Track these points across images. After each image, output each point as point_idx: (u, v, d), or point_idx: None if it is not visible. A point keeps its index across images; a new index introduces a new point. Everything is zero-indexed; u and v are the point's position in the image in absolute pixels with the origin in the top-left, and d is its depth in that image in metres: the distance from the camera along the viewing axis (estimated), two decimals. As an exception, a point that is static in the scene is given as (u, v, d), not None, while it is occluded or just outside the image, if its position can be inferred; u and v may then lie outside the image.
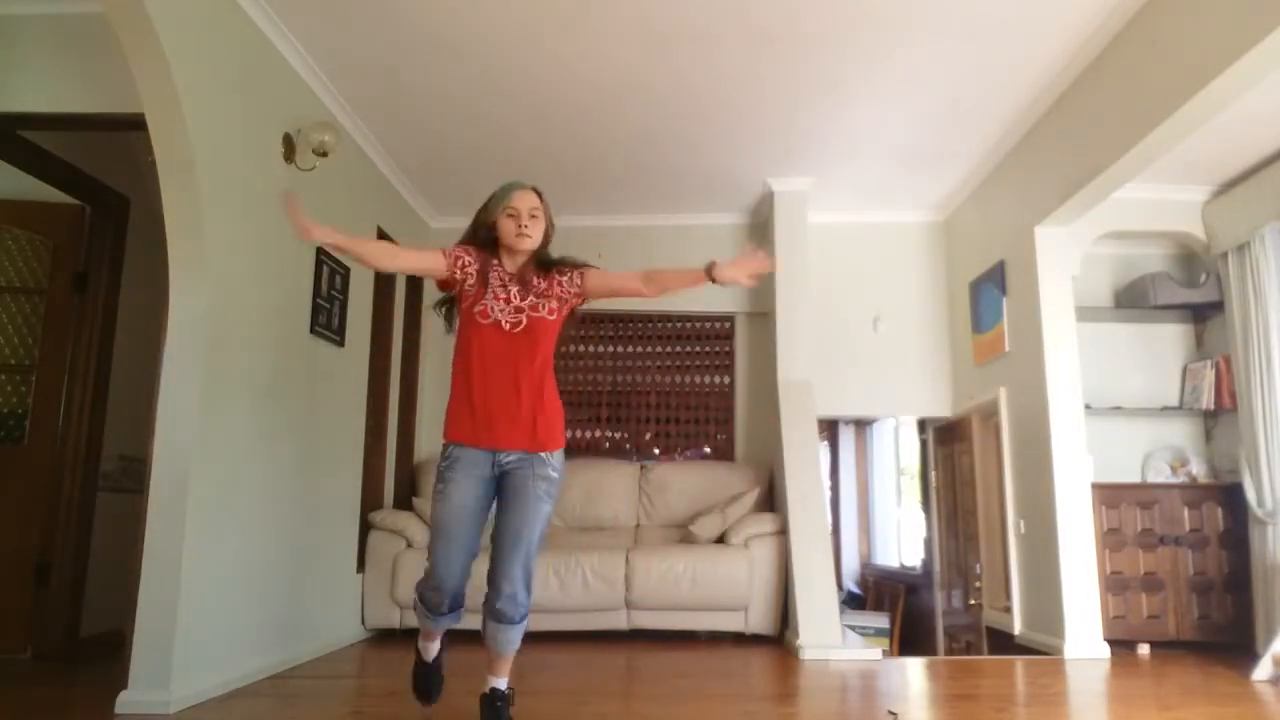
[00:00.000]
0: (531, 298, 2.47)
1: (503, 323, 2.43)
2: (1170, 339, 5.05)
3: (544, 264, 2.53)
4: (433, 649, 2.75)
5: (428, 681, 2.77)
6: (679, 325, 5.74)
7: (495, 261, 2.51)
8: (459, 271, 2.46)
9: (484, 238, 2.52)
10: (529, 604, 2.50)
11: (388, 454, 4.96)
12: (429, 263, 2.48)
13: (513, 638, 2.52)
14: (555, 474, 2.49)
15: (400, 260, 2.74)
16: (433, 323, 5.67)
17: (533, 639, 4.47)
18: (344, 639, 4.34)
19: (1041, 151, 4.31)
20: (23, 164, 3.80)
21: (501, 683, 2.55)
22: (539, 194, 2.54)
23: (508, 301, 2.45)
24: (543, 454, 2.46)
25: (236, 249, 3.24)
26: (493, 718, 2.51)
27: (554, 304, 2.50)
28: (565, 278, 2.52)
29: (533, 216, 2.48)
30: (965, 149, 4.69)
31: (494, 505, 2.52)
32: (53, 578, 3.86)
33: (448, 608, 2.57)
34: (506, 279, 2.49)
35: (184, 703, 2.85)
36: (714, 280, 2.41)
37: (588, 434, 5.79)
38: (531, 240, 2.48)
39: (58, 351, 4.01)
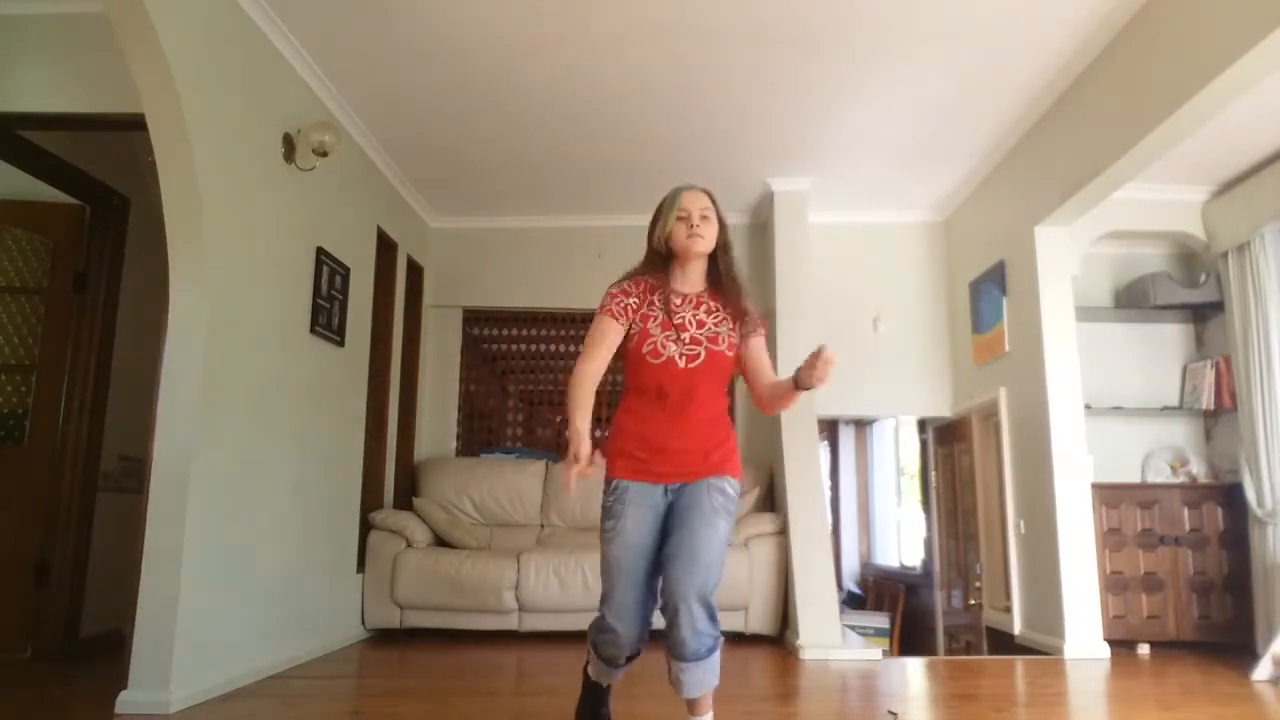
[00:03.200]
0: (710, 325, 2.28)
1: (676, 359, 2.23)
2: (1170, 339, 5.05)
3: (728, 280, 2.33)
4: (611, 675, 2.41)
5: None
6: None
7: (664, 288, 2.30)
8: (626, 320, 2.27)
9: (662, 254, 2.31)
10: (717, 633, 2.15)
11: (388, 454, 4.96)
12: (612, 341, 2.27)
13: (699, 678, 2.14)
14: (732, 491, 2.25)
15: (590, 370, 2.26)
16: (433, 323, 5.68)
17: (533, 639, 4.50)
18: (344, 639, 4.33)
19: (1041, 151, 4.31)
20: (22, 164, 3.80)
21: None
22: (710, 195, 2.33)
23: (683, 329, 2.26)
24: (718, 477, 2.24)
25: (236, 249, 3.24)
26: None
27: (730, 337, 2.29)
28: (749, 321, 2.32)
29: (704, 217, 2.27)
30: (965, 149, 4.69)
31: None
32: (53, 578, 3.86)
33: (623, 659, 2.32)
34: (678, 304, 2.29)
35: (184, 703, 2.85)
36: (800, 387, 2.16)
37: (588, 434, 5.78)
38: (705, 242, 2.27)
39: (58, 351, 4.01)
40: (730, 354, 2.29)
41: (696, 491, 2.22)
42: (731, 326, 2.30)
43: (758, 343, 2.35)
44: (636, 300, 2.29)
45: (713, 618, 2.13)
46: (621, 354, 2.31)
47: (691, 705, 2.20)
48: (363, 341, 4.56)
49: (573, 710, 2.52)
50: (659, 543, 2.21)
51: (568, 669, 3.82)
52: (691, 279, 2.34)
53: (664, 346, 2.24)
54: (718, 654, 2.16)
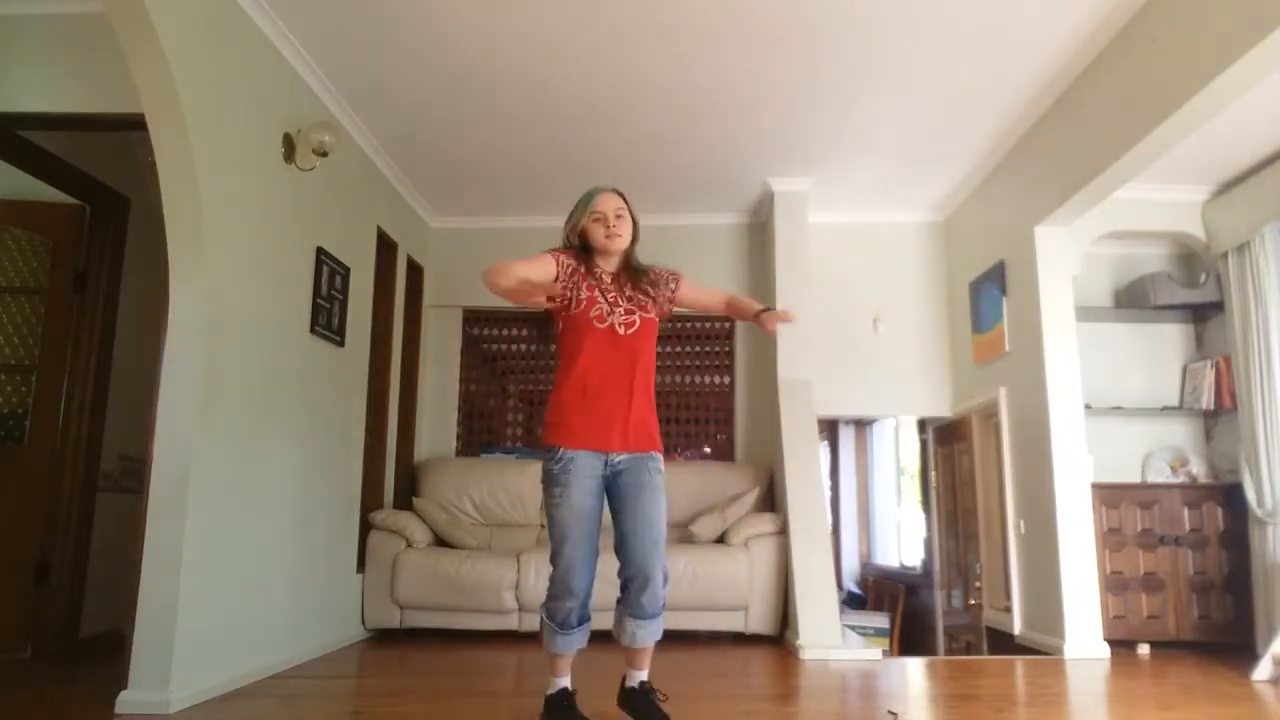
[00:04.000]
0: (640, 297, 2.54)
1: (617, 326, 2.48)
2: (1170, 339, 5.05)
3: (636, 269, 2.60)
4: (564, 677, 2.64)
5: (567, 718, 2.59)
6: (679, 325, 5.73)
7: (592, 267, 2.55)
8: (563, 274, 2.48)
9: (575, 245, 2.58)
10: (664, 596, 2.54)
11: (388, 454, 4.96)
12: (540, 266, 2.47)
13: (656, 630, 2.55)
14: (662, 469, 2.55)
15: (514, 268, 2.44)
16: (433, 323, 5.67)
17: (533, 639, 4.49)
18: (344, 639, 4.33)
19: (1041, 151, 4.31)
20: (22, 164, 3.80)
21: (645, 674, 2.59)
22: (622, 195, 2.59)
23: (616, 304, 2.51)
24: (652, 453, 2.53)
25: (236, 249, 3.24)
26: (647, 704, 2.53)
27: (655, 307, 2.58)
28: (663, 282, 2.60)
29: (619, 217, 2.53)
30: (965, 149, 4.69)
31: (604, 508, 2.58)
32: (53, 578, 3.86)
33: (576, 619, 2.54)
34: (608, 282, 2.55)
35: (184, 703, 2.85)
36: (760, 320, 2.49)
37: (588, 434, 5.79)
38: (622, 239, 2.53)
39: (58, 351, 4.01)
40: (657, 319, 2.58)
41: (639, 471, 2.48)
42: (654, 309, 2.57)
43: (688, 283, 2.66)
44: (573, 264, 2.51)
45: (665, 582, 2.52)
46: (561, 325, 2.53)
47: (639, 659, 2.57)
48: (363, 341, 4.56)
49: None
50: (600, 508, 2.51)
51: (568, 669, 3.82)
52: (611, 265, 2.59)
53: (608, 314, 2.49)
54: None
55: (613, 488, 2.51)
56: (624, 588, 2.53)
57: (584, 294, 2.49)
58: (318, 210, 3.96)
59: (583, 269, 2.53)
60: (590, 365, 2.47)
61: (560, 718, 2.57)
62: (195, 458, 2.95)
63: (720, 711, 2.96)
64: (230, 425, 3.20)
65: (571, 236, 2.57)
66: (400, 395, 5.15)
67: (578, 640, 2.57)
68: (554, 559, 2.51)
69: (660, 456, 2.57)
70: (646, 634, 2.52)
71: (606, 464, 2.49)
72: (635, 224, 2.59)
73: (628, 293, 2.54)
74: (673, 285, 2.62)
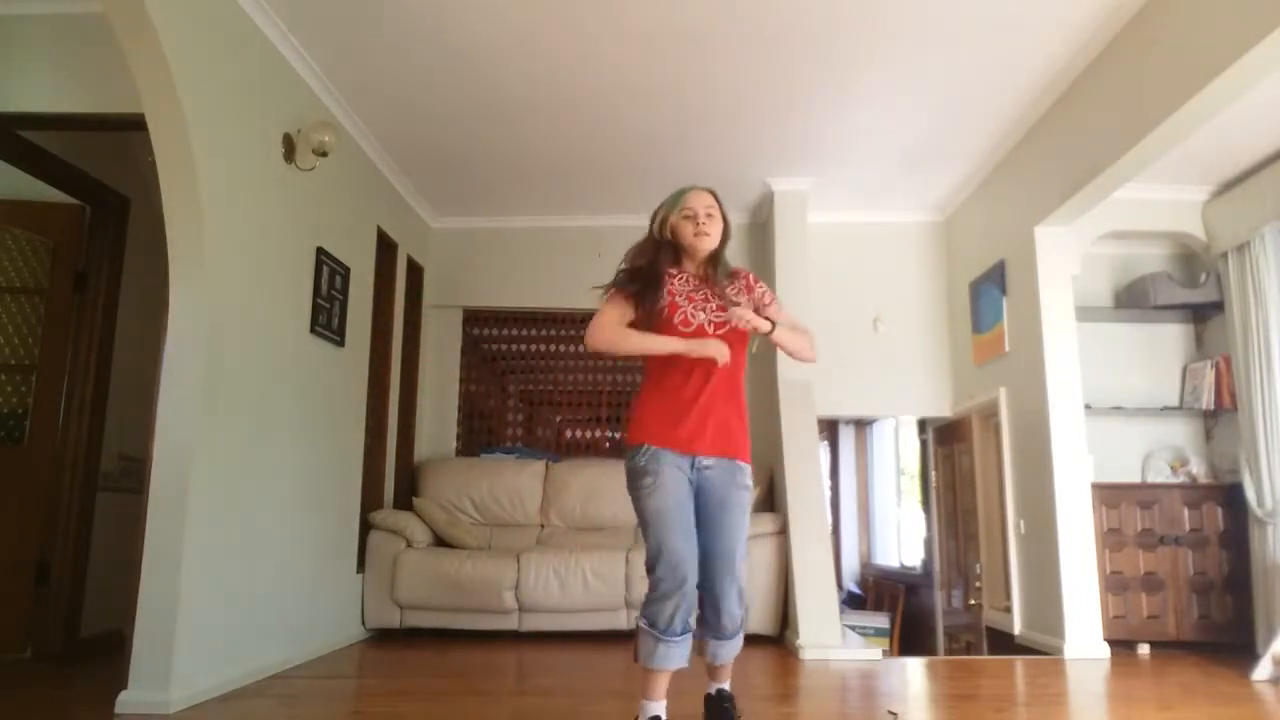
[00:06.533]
0: (732, 296, 2.44)
1: (707, 325, 2.38)
2: (1170, 339, 5.05)
3: (724, 269, 2.49)
4: (658, 702, 2.33)
5: None
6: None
7: (675, 271, 2.46)
8: (635, 302, 2.40)
9: (661, 243, 2.46)
10: (743, 613, 2.45)
11: (388, 454, 4.96)
12: (623, 318, 2.41)
13: (734, 649, 2.48)
14: (750, 485, 2.43)
15: (620, 342, 2.39)
16: (433, 323, 5.67)
17: (533, 639, 4.50)
18: (344, 639, 4.33)
19: (1041, 151, 4.31)
20: (22, 164, 3.80)
21: (726, 685, 2.56)
22: (714, 194, 2.49)
23: (706, 302, 2.41)
24: (740, 463, 2.40)
25: (236, 249, 3.24)
26: (720, 713, 2.50)
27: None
28: (760, 288, 2.51)
29: (709, 215, 2.43)
30: (965, 149, 4.69)
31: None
32: (53, 578, 3.86)
33: (680, 624, 2.28)
34: (695, 284, 2.45)
35: (184, 703, 2.85)
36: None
37: (588, 434, 5.80)
38: (711, 239, 2.43)
39: (58, 351, 4.01)
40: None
41: (725, 486, 2.35)
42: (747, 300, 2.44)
43: (779, 305, 2.54)
44: (640, 287, 2.40)
45: (742, 601, 2.40)
46: (649, 329, 2.40)
47: (720, 673, 2.51)
48: (363, 341, 4.56)
49: (570, 709, 2.54)
50: (691, 506, 2.34)
51: (567, 668, 3.83)
52: (694, 267, 2.50)
53: (693, 316, 2.39)
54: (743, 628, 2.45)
55: (700, 499, 2.37)
56: (706, 609, 2.40)
57: (663, 300, 2.39)
58: (318, 210, 3.96)
59: (645, 282, 2.40)
60: (680, 365, 2.36)
61: None
62: (195, 458, 2.95)
63: (720, 711, 2.95)
64: (230, 425, 3.20)
65: (660, 231, 2.46)
66: (400, 395, 5.15)
67: (679, 653, 2.30)
68: (652, 555, 2.30)
69: (748, 469, 2.42)
70: (728, 651, 2.46)
71: (694, 466, 2.36)
72: (727, 224, 2.49)
73: (716, 291, 2.44)
74: (766, 299, 2.50)
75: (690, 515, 2.33)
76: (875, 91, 4.06)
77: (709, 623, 2.40)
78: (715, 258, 2.49)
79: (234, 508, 3.24)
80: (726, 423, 2.39)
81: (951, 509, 5.53)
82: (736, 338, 2.39)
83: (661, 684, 2.33)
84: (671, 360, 2.35)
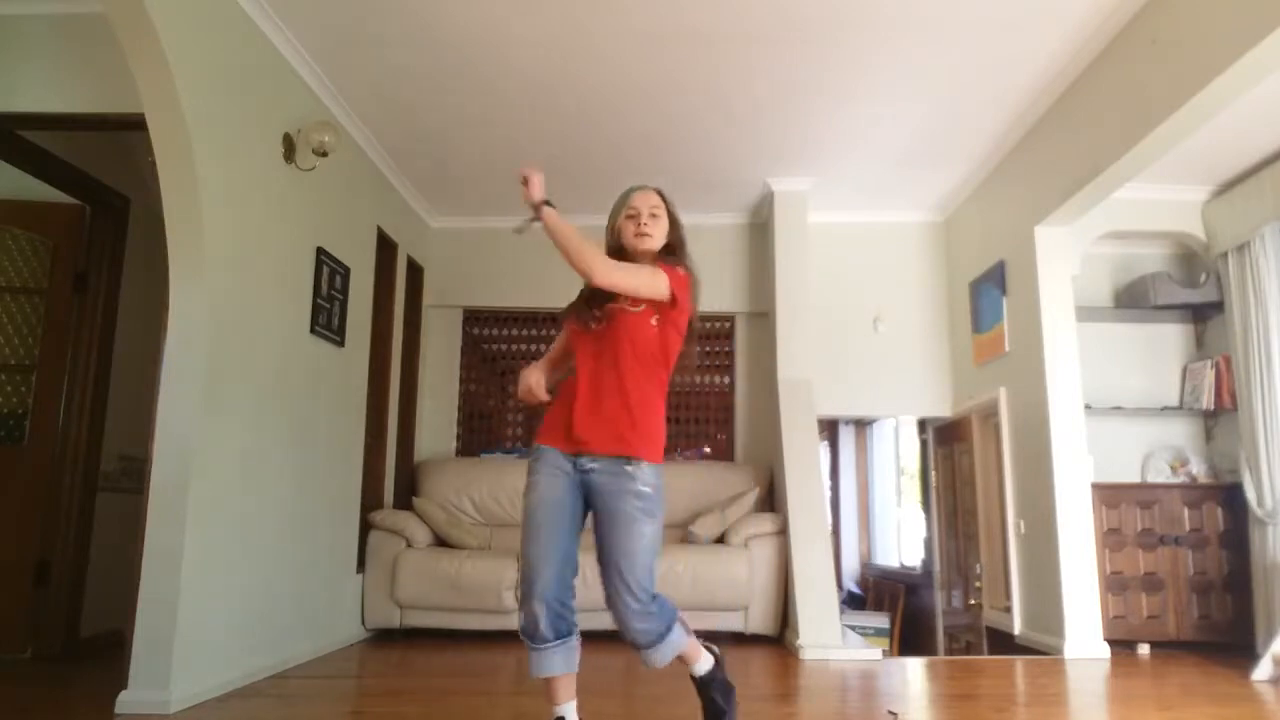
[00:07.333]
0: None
1: (589, 322, 2.25)
2: (1170, 339, 5.05)
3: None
4: (561, 705, 2.25)
5: None
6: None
7: None
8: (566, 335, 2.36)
9: (615, 250, 2.36)
10: (657, 627, 2.23)
11: (388, 454, 4.96)
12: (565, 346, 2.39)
13: (659, 658, 2.26)
14: (648, 489, 2.19)
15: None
16: (433, 323, 5.68)
17: (533, 639, 4.49)
18: (344, 639, 4.34)
19: (1041, 151, 4.31)
20: (23, 164, 3.80)
21: (696, 670, 2.36)
22: (661, 194, 2.38)
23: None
24: (631, 464, 2.18)
25: (236, 249, 3.24)
26: (704, 698, 2.37)
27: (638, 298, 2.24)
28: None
29: (653, 215, 2.31)
30: (965, 149, 4.69)
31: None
32: (53, 578, 3.85)
33: (548, 630, 2.16)
34: None
35: (184, 703, 2.85)
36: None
37: (588, 434, 5.79)
38: (653, 240, 2.30)
39: (58, 351, 4.01)
40: (635, 310, 2.24)
41: (612, 496, 2.17)
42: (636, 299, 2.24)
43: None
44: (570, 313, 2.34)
45: (649, 611, 2.19)
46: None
47: (686, 663, 2.33)
48: (363, 341, 4.56)
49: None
50: (574, 508, 2.23)
51: (568, 669, 3.82)
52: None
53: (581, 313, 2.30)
54: (673, 630, 2.24)
55: (590, 503, 2.24)
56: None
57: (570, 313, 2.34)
58: (318, 210, 3.96)
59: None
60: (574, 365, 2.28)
61: None
62: (195, 458, 2.95)
63: (720, 711, 2.95)
64: (230, 425, 3.20)
65: (610, 236, 2.38)
66: (400, 395, 5.15)
67: (559, 660, 2.20)
68: (519, 560, 2.24)
69: (646, 467, 2.20)
70: (656, 659, 2.27)
71: (576, 467, 2.22)
72: (677, 225, 2.36)
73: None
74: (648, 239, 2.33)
75: (561, 518, 2.19)
76: (875, 92, 4.06)
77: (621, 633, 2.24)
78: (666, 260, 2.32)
79: (234, 508, 3.24)
80: (614, 418, 2.19)
81: (951, 509, 5.53)
82: (621, 323, 2.22)
83: (556, 688, 2.24)
84: (575, 360, 2.27)
